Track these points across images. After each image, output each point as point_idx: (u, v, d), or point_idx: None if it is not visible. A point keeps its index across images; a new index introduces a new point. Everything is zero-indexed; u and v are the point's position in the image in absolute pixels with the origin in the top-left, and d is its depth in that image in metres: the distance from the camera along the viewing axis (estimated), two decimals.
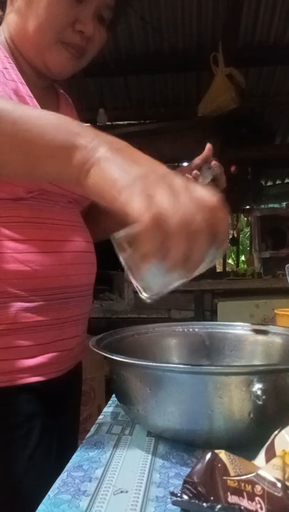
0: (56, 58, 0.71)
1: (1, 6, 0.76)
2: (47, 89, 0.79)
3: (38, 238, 0.68)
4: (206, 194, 0.39)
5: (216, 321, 2.29)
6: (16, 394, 0.67)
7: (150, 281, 0.41)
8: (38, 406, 0.69)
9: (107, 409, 0.67)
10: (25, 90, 0.69)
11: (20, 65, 0.72)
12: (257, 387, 0.46)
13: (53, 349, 0.71)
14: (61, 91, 0.85)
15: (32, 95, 0.69)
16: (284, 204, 4.48)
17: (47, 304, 0.69)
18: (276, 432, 0.40)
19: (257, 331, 0.75)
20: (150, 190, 0.38)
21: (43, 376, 0.69)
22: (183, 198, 0.37)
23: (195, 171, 0.85)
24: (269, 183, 5.04)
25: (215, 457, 0.36)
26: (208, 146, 0.87)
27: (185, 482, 0.35)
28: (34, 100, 0.69)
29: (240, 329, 0.77)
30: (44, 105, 0.72)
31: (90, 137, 0.45)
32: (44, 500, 0.42)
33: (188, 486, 0.34)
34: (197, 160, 0.87)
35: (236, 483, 0.33)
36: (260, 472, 0.32)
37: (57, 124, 0.47)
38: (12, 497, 0.65)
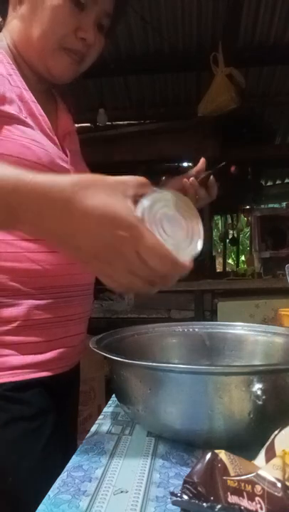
0: (58, 63, 0.74)
1: (1, 13, 0.77)
2: (46, 93, 0.82)
3: None
4: (154, 255, 0.43)
5: (216, 321, 2.29)
6: (29, 388, 0.69)
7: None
8: (48, 400, 0.71)
9: (107, 409, 0.67)
10: (29, 96, 0.72)
11: (22, 70, 0.74)
12: (257, 387, 0.46)
13: (60, 345, 0.73)
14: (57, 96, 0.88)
15: (35, 100, 0.72)
16: (284, 204, 4.49)
17: (54, 302, 0.72)
18: (276, 432, 0.40)
19: (257, 331, 0.75)
20: (107, 269, 0.45)
21: (51, 371, 0.72)
22: (134, 266, 0.44)
23: (192, 178, 0.90)
24: (269, 183, 5.04)
25: (215, 457, 0.36)
26: (202, 160, 0.93)
27: (185, 482, 0.35)
28: (38, 105, 0.73)
29: (240, 329, 0.77)
30: (45, 109, 0.75)
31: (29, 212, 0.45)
32: (44, 501, 0.42)
33: (188, 486, 0.34)
34: (192, 172, 0.93)
35: (236, 483, 0.33)
36: (260, 472, 0.32)
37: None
38: (22, 490, 0.65)
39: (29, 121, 0.70)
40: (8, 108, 0.67)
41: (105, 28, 0.76)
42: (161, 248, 0.43)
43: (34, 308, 0.69)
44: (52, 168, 0.70)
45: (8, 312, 0.68)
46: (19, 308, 0.68)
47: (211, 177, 0.91)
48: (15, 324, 0.68)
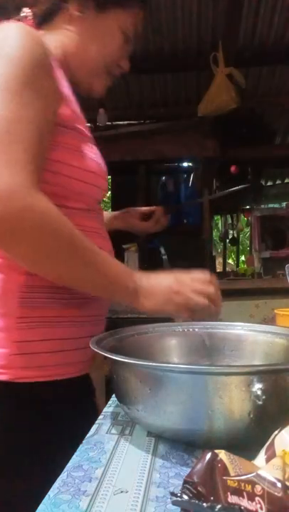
0: (100, 83, 0.86)
1: (52, 16, 0.80)
2: None
3: None
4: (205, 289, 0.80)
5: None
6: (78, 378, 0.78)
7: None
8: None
9: (107, 409, 0.67)
10: (78, 107, 0.77)
11: (64, 75, 0.78)
12: (257, 387, 0.46)
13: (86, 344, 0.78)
14: None
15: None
16: (284, 204, 4.48)
17: (85, 301, 0.75)
18: (276, 432, 0.40)
19: (257, 331, 0.75)
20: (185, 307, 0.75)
21: (78, 372, 0.79)
22: (196, 297, 0.78)
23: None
24: (269, 183, 5.03)
25: (215, 457, 0.36)
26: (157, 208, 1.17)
27: (185, 482, 0.35)
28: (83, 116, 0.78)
29: (240, 329, 0.77)
30: None
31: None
32: (44, 500, 0.42)
33: (188, 486, 0.34)
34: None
35: (236, 483, 0.33)
36: (260, 472, 0.32)
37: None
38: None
39: (90, 135, 0.77)
40: (83, 127, 0.74)
41: None
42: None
43: (66, 305, 0.73)
44: (105, 178, 0.78)
45: (44, 309, 0.70)
46: (54, 306, 0.71)
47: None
48: (49, 321, 0.71)
